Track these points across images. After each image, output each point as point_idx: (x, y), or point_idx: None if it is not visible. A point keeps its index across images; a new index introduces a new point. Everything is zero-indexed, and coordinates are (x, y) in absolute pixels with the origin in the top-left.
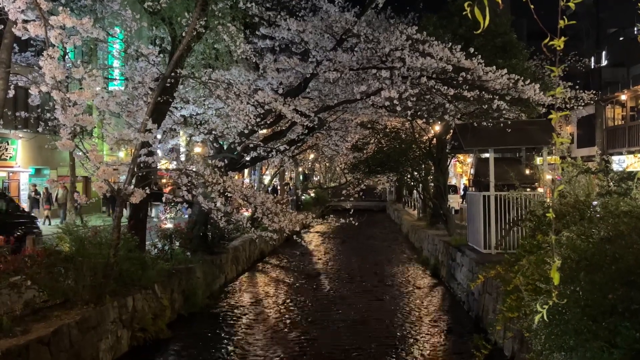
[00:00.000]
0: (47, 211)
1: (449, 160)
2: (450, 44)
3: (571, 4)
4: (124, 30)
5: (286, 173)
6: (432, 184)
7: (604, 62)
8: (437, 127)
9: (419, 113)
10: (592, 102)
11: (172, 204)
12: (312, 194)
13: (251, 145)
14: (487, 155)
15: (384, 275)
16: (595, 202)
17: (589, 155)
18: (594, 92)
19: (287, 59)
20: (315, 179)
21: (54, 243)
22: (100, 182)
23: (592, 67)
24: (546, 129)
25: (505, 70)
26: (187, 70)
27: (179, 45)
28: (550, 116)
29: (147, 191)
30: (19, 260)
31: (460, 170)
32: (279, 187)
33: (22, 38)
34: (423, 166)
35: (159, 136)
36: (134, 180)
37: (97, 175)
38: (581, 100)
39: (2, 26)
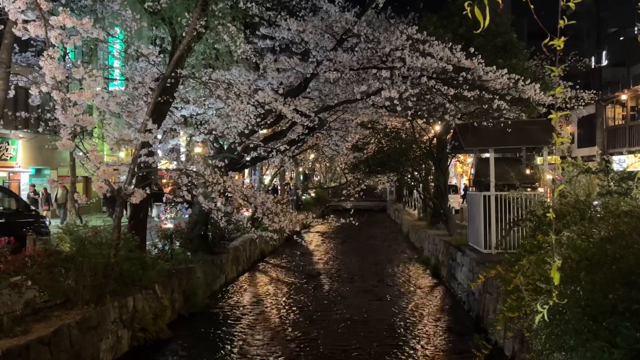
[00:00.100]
0: (46, 212)
1: (449, 160)
2: (450, 43)
3: (571, 4)
4: (124, 30)
5: (286, 173)
6: (433, 184)
7: (605, 62)
8: (438, 127)
9: (419, 113)
10: (592, 101)
11: (173, 204)
12: (313, 194)
13: (251, 145)
14: (487, 155)
15: (384, 275)
16: (595, 202)
17: (589, 155)
18: (595, 91)
19: (288, 59)
20: (316, 179)
21: (54, 243)
22: (101, 182)
23: (593, 66)
24: (546, 128)
25: (505, 70)
26: (187, 70)
27: (179, 46)
28: (551, 116)
29: (148, 191)
30: (20, 260)
31: (461, 170)
32: (279, 187)
33: (23, 38)
34: (423, 166)
35: (159, 136)
36: (134, 181)
37: (98, 176)
38: (581, 100)
39: (3, 26)
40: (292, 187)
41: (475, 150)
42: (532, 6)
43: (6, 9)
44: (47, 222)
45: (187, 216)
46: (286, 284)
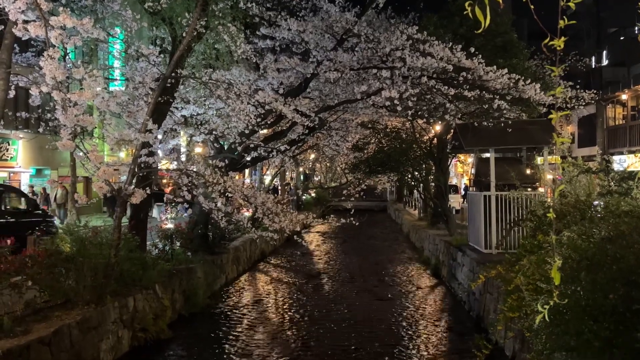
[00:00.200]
0: None
1: (449, 160)
2: (450, 43)
3: (571, 4)
4: (125, 30)
5: (287, 173)
6: (433, 184)
7: (605, 62)
8: (438, 127)
9: (419, 113)
10: (592, 101)
11: (173, 204)
12: (313, 194)
13: (252, 145)
14: (487, 155)
15: (384, 275)
16: (596, 202)
17: (589, 154)
18: (595, 91)
19: (288, 59)
20: (316, 179)
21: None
22: (101, 182)
23: (593, 66)
24: (547, 128)
25: (505, 70)
26: (187, 70)
27: (180, 46)
28: (551, 116)
29: (149, 191)
30: (20, 260)
31: (461, 170)
32: (279, 187)
33: (23, 38)
34: (424, 166)
35: (159, 136)
36: (134, 181)
37: (98, 176)
38: (582, 100)
39: (3, 27)
40: (292, 187)
41: (475, 150)
42: (532, 6)
43: (6, 9)
44: (55, 222)
45: (185, 215)
46: (287, 284)
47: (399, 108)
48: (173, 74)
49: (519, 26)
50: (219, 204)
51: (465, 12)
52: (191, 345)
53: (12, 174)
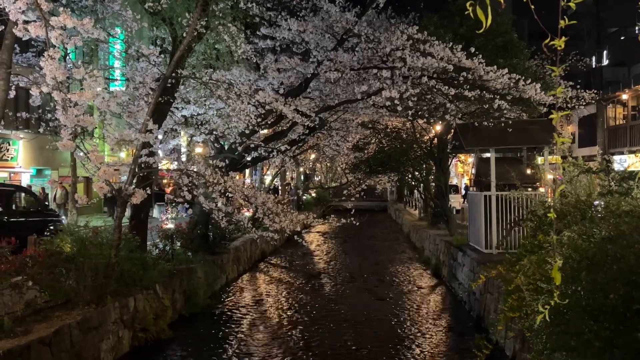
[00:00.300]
0: None
1: (450, 160)
2: (451, 43)
3: (572, 4)
4: (125, 30)
5: (287, 173)
6: (433, 184)
7: (605, 62)
8: (438, 127)
9: (419, 113)
10: (593, 101)
11: (174, 204)
12: (313, 194)
13: (252, 145)
14: (488, 155)
15: (385, 275)
16: (596, 202)
17: (590, 154)
18: (595, 91)
19: (288, 59)
20: (317, 179)
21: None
22: (102, 182)
23: (593, 66)
24: (547, 128)
25: (506, 70)
26: (188, 70)
27: (180, 46)
28: (552, 116)
29: (149, 191)
30: (21, 260)
31: (462, 170)
32: (280, 187)
33: (23, 39)
34: (424, 166)
35: (160, 136)
36: (135, 181)
37: (98, 176)
38: (582, 100)
39: (3, 27)
40: (292, 187)
41: (476, 150)
42: (532, 6)
43: (7, 10)
44: (64, 221)
45: (186, 215)
46: (287, 284)
47: (399, 108)
48: (173, 74)
49: (519, 26)
50: (219, 204)
51: (466, 13)
52: (192, 345)
53: (12, 174)
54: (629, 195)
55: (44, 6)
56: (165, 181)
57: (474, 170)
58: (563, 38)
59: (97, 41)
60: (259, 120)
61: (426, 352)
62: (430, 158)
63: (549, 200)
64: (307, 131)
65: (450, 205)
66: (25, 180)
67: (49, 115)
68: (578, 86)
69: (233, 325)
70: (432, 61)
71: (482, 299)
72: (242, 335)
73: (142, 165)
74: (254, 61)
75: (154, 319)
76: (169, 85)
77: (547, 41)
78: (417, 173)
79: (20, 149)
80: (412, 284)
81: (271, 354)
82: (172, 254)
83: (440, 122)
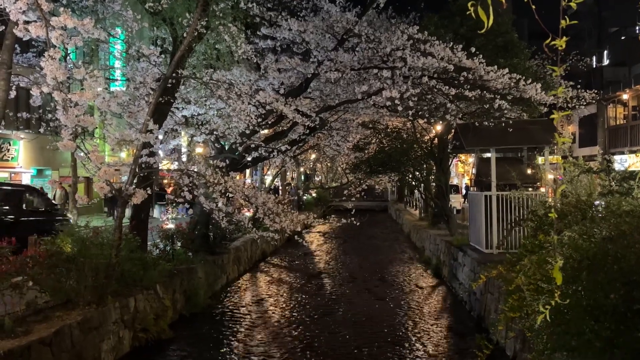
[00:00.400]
0: None
1: (450, 160)
2: (451, 43)
3: (573, 4)
4: (125, 30)
5: (288, 173)
6: (434, 184)
7: (606, 62)
8: (439, 127)
9: (420, 113)
10: (593, 101)
11: (175, 204)
12: (314, 194)
13: (252, 145)
14: (488, 155)
15: (385, 275)
16: (597, 202)
17: (590, 154)
18: (596, 91)
19: (289, 59)
20: (317, 179)
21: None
22: (102, 182)
23: (594, 66)
24: (548, 128)
25: (506, 70)
26: (188, 70)
27: (180, 46)
28: (553, 116)
29: (150, 192)
30: (21, 260)
31: (462, 170)
32: (280, 187)
33: (24, 39)
34: (425, 166)
35: (160, 137)
36: (135, 181)
37: (99, 176)
38: (583, 100)
39: (4, 27)
40: (293, 187)
41: (476, 150)
42: (533, 6)
43: (7, 10)
44: (72, 221)
45: (185, 214)
46: (287, 284)
47: (399, 108)
48: (174, 74)
49: (519, 26)
50: (220, 204)
51: (468, 13)
52: (192, 345)
53: (13, 175)
54: (629, 195)
55: (44, 6)
56: (165, 181)
57: (474, 170)
58: (564, 38)
59: (97, 41)
60: (259, 120)
61: (426, 352)
62: (431, 158)
63: (550, 200)
64: (308, 131)
65: (451, 205)
66: (25, 181)
67: (50, 116)
68: (578, 86)
69: (233, 325)
70: (432, 61)
71: (482, 299)
72: (243, 335)
73: (143, 166)
74: (255, 61)
75: (154, 319)
76: (170, 85)
77: (548, 41)
78: (417, 173)
79: (20, 149)
80: (412, 284)
81: (272, 354)
82: (172, 254)
83: (440, 122)
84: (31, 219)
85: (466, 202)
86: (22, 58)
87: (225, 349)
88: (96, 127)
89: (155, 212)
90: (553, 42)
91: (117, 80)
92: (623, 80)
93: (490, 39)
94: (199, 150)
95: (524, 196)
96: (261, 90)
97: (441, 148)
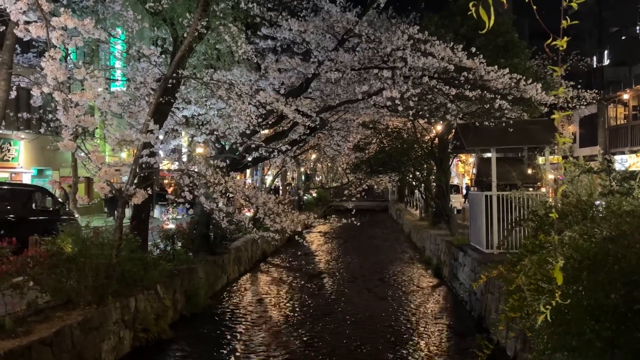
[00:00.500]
0: None
1: (451, 160)
2: (452, 43)
3: (574, 4)
4: (126, 31)
5: (288, 173)
6: (434, 184)
7: (606, 62)
8: (439, 127)
9: (420, 113)
10: (594, 101)
11: (175, 205)
12: (314, 194)
13: (253, 145)
14: (489, 155)
15: (386, 275)
16: (597, 202)
17: (591, 154)
18: (596, 91)
19: (289, 59)
20: (317, 179)
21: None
22: (103, 183)
23: (594, 66)
24: (548, 128)
25: (507, 70)
26: (188, 70)
27: (181, 46)
28: (553, 116)
29: (150, 192)
30: (22, 261)
31: (463, 170)
32: (281, 188)
33: (24, 39)
34: (425, 166)
35: (160, 137)
36: (136, 181)
37: (99, 176)
38: (583, 100)
39: (4, 27)
40: (293, 187)
41: (477, 150)
42: (534, 6)
43: (8, 10)
44: (80, 220)
45: (185, 215)
46: (288, 284)
47: (400, 108)
48: (174, 75)
49: (520, 26)
50: (220, 204)
51: (469, 13)
52: (193, 346)
53: (13, 175)
54: (630, 195)
55: (45, 7)
56: (166, 181)
57: (475, 170)
58: (565, 38)
59: (98, 41)
60: (259, 120)
61: (427, 352)
62: (431, 158)
63: (550, 200)
64: (308, 131)
65: (451, 205)
66: (26, 181)
67: (50, 116)
68: (579, 86)
69: (234, 325)
70: (433, 61)
71: (483, 299)
72: (243, 336)
73: (143, 166)
74: (255, 61)
75: (155, 319)
76: (170, 85)
77: (549, 41)
78: (418, 173)
79: (21, 149)
80: (413, 284)
81: (272, 354)
82: (173, 254)
83: (441, 122)
84: (40, 218)
85: (467, 202)
86: (23, 58)
87: (225, 349)
88: (97, 128)
89: (156, 212)
90: (554, 42)
91: (117, 80)
92: (623, 80)
93: (490, 38)
94: (200, 150)
95: (524, 196)
96: (261, 90)
97: (441, 148)
